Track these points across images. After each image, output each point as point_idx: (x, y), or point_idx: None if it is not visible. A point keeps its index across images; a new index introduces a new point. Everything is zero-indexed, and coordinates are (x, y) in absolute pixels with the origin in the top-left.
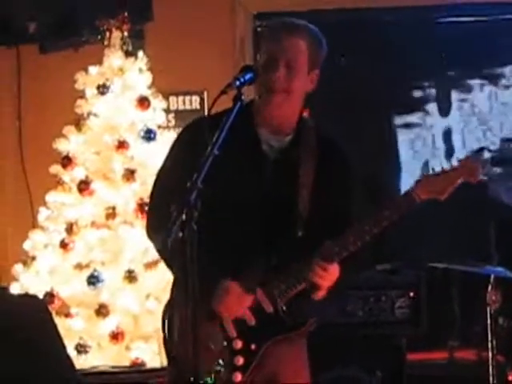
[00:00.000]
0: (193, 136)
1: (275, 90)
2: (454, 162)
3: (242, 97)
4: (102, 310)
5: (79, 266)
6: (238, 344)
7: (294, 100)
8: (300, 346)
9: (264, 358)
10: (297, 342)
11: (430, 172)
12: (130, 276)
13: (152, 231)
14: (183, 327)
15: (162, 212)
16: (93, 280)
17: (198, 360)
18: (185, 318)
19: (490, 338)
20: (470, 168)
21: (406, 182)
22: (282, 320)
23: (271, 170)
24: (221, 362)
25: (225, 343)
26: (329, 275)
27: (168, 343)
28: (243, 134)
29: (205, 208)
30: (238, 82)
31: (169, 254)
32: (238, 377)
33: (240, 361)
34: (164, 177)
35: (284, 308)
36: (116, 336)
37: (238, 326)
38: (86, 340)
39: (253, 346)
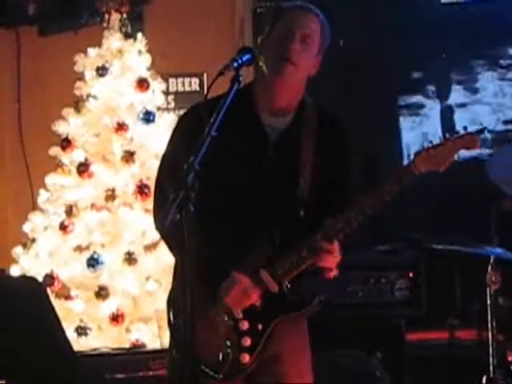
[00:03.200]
0: (192, 121)
1: (289, 60)
2: (453, 135)
3: (240, 78)
4: (101, 292)
5: (79, 249)
6: (245, 325)
7: (300, 76)
8: (303, 325)
9: (270, 338)
10: (300, 321)
11: (429, 145)
12: (130, 258)
13: (159, 222)
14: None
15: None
16: (92, 262)
17: (194, 344)
18: (184, 301)
19: (489, 319)
20: (468, 139)
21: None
22: (287, 299)
23: (273, 151)
24: (228, 343)
25: (231, 324)
26: (333, 257)
27: (173, 327)
28: (245, 118)
29: (207, 191)
30: (235, 64)
31: (167, 237)
32: (246, 358)
33: (247, 341)
34: (166, 165)
35: (289, 287)
36: (116, 318)
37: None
38: (86, 322)
39: (260, 326)
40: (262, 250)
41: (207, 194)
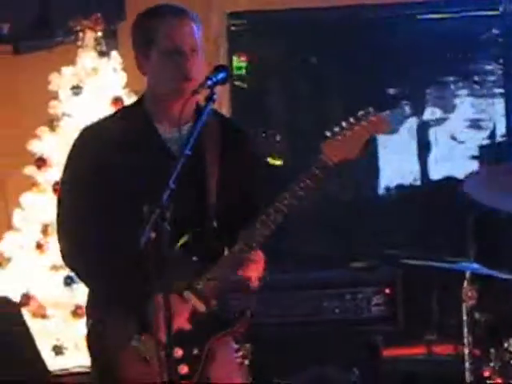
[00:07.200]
0: (83, 148)
1: (188, 78)
2: (355, 119)
3: (215, 97)
4: (78, 311)
5: (55, 268)
6: (179, 352)
7: (196, 86)
8: (232, 348)
9: (205, 362)
10: (229, 344)
11: (334, 131)
12: None
13: (71, 259)
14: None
15: (77, 237)
16: (69, 281)
17: None
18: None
19: (465, 335)
20: (376, 121)
21: (385, 177)
22: (217, 317)
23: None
24: (164, 374)
25: (163, 354)
26: (257, 265)
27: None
28: (143, 133)
29: (114, 210)
30: (210, 82)
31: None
32: None
33: (184, 369)
34: (67, 197)
35: (216, 304)
36: None
37: (175, 334)
38: (63, 341)
39: (195, 351)
40: (181, 270)
41: (114, 213)
